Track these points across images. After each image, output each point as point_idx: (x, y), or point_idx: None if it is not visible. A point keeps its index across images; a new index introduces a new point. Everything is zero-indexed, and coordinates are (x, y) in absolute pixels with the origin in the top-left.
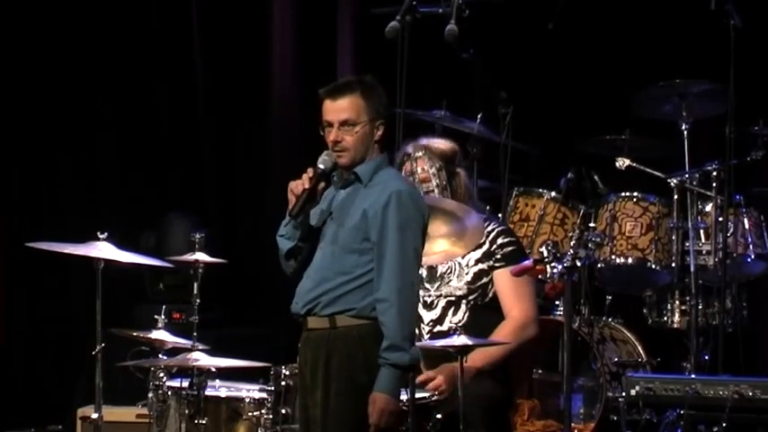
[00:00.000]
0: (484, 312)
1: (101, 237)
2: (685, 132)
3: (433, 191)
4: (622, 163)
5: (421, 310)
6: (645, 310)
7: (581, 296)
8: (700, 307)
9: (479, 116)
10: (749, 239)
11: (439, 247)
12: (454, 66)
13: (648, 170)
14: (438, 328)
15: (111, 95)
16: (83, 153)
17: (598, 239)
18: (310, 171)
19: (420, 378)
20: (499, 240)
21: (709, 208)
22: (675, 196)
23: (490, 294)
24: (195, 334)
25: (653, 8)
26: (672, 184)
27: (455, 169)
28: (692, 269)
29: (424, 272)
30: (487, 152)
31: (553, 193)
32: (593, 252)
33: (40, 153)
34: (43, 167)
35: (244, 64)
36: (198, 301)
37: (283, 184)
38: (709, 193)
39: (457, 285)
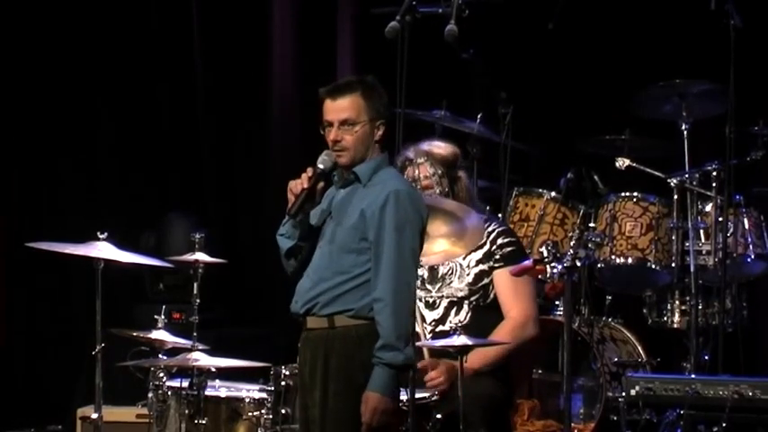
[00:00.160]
0: (486, 313)
1: (101, 237)
2: (685, 132)
3: None
4: (622, 163)
5: (423, 310)
6: (645, 310)
7: (581, 296)
8: (700, 307)
9: (479, 116)
10: (749, 239)
11: (439, 247)
12: (454, 66)
13: (648, 170)
14: (440, 327)
15: (111, 95)
16: (83, 153)
17: (598, 239)
18: (310, 171)
19: (421, 363)
20: (499, 241)
21: (709, 208)
22: (675, 196)
23: (492, 295)
24: (195, 334)
25: (653, 8)
26: (672, 184)
27: (457, 174)
28: (691, 269)
29: (425, 273)
30: (487, 152)
31: (553, 193)
32: (593, 252)
33: (40, 153)
34: (43, 167)
35: (244, 64)
36: (198, 301)
37: (283, 184)
38: (709, 193)
39: (458, 287)
